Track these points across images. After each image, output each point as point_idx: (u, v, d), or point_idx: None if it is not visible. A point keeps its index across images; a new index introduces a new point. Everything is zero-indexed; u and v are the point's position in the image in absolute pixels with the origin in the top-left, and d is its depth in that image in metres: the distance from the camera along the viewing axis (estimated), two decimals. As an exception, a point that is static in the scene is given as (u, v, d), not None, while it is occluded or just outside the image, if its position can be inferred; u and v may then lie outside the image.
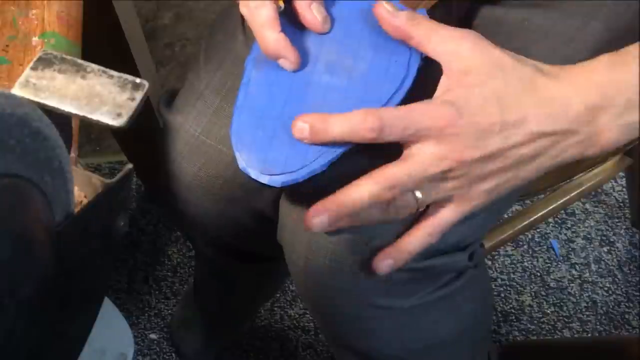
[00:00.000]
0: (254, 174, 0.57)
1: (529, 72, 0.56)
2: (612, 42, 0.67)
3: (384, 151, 0.56)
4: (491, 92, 0.55)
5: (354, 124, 0.55)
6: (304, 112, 0.58)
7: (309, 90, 0.59)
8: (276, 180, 0.56)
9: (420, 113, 0.55)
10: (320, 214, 0.56)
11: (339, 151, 0.57)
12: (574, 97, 0.55)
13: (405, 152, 0.56)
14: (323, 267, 0.64)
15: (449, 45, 0.56)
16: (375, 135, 0.54)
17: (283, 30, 0.61)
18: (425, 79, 0.59)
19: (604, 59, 0.56)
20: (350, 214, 0.56)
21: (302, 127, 0.56)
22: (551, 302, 1.38)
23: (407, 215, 0.59)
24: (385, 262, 0.62)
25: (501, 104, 0.55)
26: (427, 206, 0.61)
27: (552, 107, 0.55)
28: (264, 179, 0.56)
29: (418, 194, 0.57)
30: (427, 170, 0.55)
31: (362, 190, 0.55)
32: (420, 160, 0.55)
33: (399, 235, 0.63)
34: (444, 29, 0.57)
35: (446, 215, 0.60)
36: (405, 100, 0.59)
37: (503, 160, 0.56)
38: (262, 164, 0.57)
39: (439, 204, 0.60)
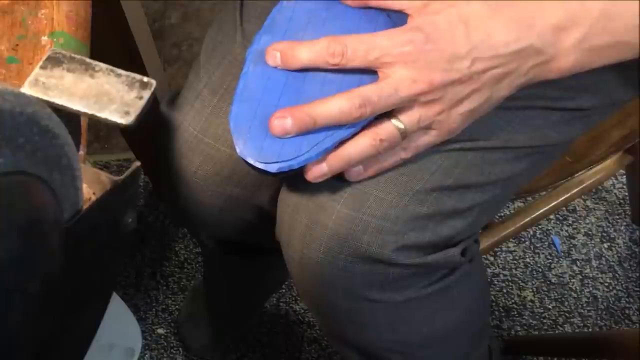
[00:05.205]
0: (250, 160, 0.58)
1: None
2: None
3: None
4: (456, 17, 0.56)
5: (319, 49, 0.57)
6: (299, 104, 0.59)
7: (304, 83, 0.60)
8: (272, 167, 0.58)
9: (384, 38, 0.56)
10: (284, 117, 0.57)
11: (333, 142, 0.58)
12: (539, 15, 0.55)
13: (380, 76, 0.57)
14: (317, 261, 0.65)
15: None
16: (339, 60, 0.57)
17: (285, 25, 0.63)
18: None
19: None
20: (314, 125, 0.57)
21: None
22: (552, 297, 1.38)
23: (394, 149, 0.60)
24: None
25: (467, 26, 0.55)
26: None
27: (518, 25, 0.55)
28: (260, 165, 0.58)
29: (398, 124, 0.58)
30: (399, 92, 0.56)
31: (332, 104, 0.56)
32: (391, 82, 0.56)
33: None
34: None
35: (425, 139, 0.61)
36: None
37: (476, 82, 0.57)
38: (258, 152, 0.58)
39: (421, 131, 0.60)
